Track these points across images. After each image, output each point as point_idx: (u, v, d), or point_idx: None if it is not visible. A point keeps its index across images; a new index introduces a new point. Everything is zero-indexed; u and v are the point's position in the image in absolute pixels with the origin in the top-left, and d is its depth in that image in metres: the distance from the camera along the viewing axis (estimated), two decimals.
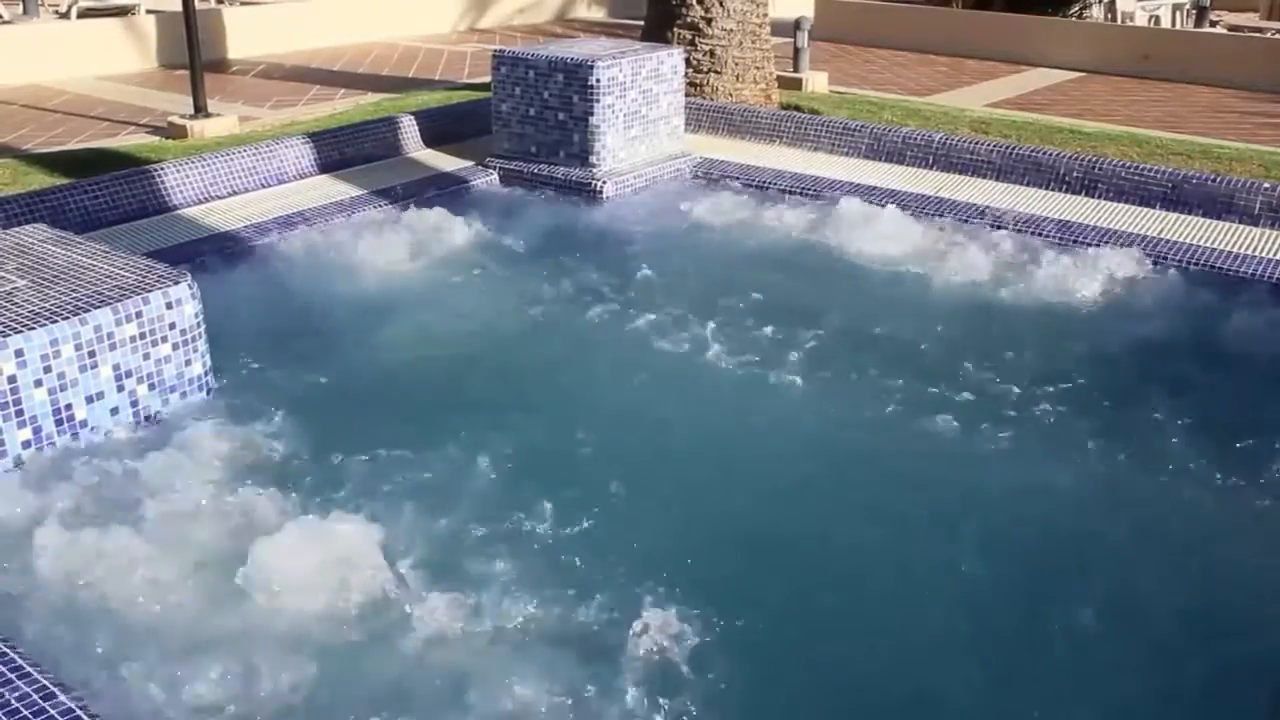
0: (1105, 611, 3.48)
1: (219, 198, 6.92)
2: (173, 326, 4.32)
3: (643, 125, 7.60)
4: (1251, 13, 16.10)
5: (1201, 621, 3.48)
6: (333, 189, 7.17)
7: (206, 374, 4.51)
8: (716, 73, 9.78)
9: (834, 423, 4.64)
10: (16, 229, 4.89)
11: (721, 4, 9.70)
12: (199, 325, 4.43)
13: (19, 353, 3.87)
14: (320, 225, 6.52)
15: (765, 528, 3.88)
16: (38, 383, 3.94)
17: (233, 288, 5.60)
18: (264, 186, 7.16)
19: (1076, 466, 4.29)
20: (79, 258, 4.53)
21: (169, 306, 4.30)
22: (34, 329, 3.92)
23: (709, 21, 9.71)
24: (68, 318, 4.02)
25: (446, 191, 7.24)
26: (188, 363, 4.42)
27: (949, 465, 4.31)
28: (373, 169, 7.65)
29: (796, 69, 11.66)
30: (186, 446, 4.06)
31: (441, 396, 4.80)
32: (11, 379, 3.86)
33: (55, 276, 4.34)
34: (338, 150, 7.66)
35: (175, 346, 4.35)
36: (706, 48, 9.75)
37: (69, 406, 4.05)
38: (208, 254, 5.98)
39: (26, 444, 3.95)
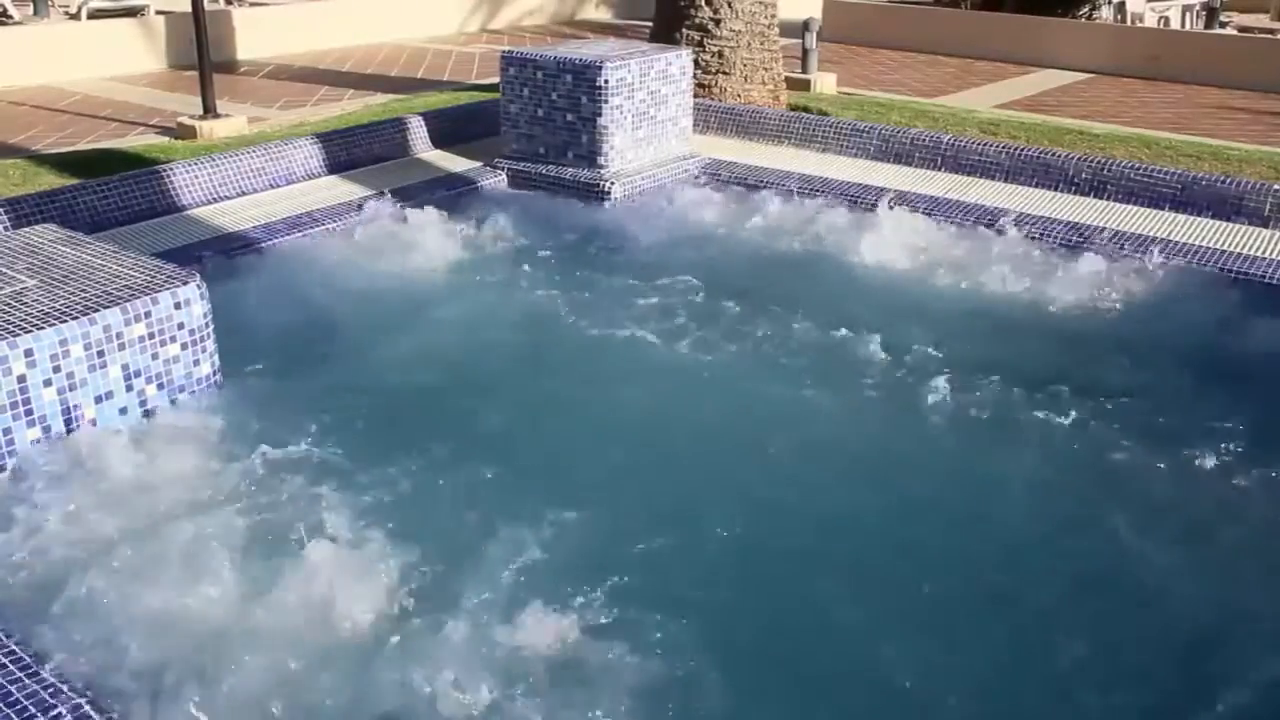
0: (1115, 619, 3.48)
1: (228, 198, 6.94)
2: (181, 326, 4.33)
3: (651, 126, 7.60)
4: (1262, 14, 16.05)
5: (1217, 622, 3.48)
6: (341, 190, 7.19)
7: (215, 374, 4.52)
8: (725, 74, 9.78)
9: (842, 423, 4.63)
10: (26, 229, 4.91)
11: (730, 5, 9.70)
12: (207, 325, 4.44)
13: (29, 352, 3.88)
14: (329, 226, 6.54)
15: (778, 533, 3.88)
16: (47, 382, 3.95)
17: (241, 288, 5.61)
18: (273, 187, 7.18)
19: (1078, 465, 4.29)
20: (88, 258, 4.55)
21: (178, 306, 4.31)
22: (43, 329, 3.93)
23: (718, 23, 9.71)
24: (77, 317, 4.03)
25: (455, 192, 7.25)
26: (196, 363, 4.43)
27: (960, 468, 4.31)
28: (381, 169, 7.66)
29: (805, 70, 11.66)
30: (194, 446, 4.07)
31: (449, 398, 4.80)
32: (21, 378, 3.87)
33: (65, 276, 4.36)
34: (346, 151, 7.67)
35: (184, 346, 4.36)
36: (715, 49, 9.75)
37: (78, 406, 4.06)
38: (217, 254, 5.99)
39: (36, 443, 3.96)
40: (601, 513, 3.85)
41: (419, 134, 8.17)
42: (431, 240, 6.36)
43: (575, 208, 7.23)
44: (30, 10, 13.81)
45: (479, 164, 7.82)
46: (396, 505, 3.83)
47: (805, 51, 11.65)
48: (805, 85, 11.43)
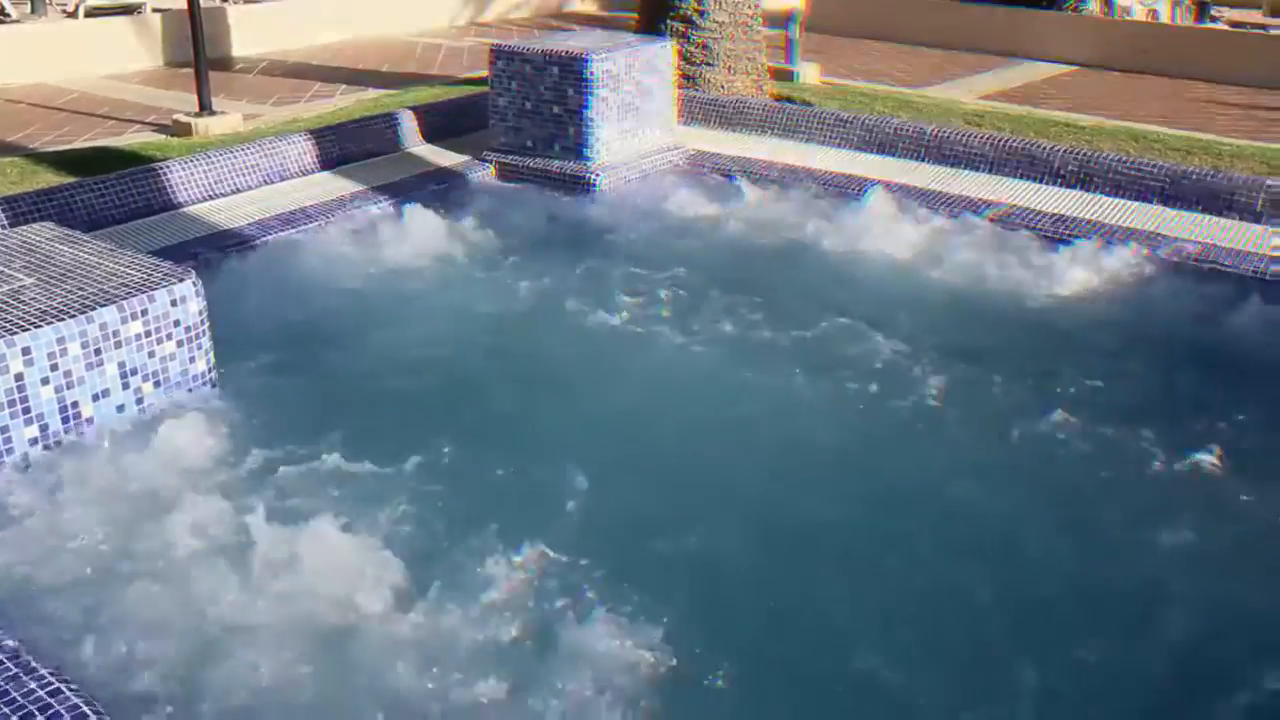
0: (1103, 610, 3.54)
1: (223, 195, 6.99)
2: (177, 324, 4.39)
3: (636, 118, 7.65)
4: (1254, 9, 16.01)
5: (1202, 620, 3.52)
6: (334, 185, 7.25)
7: (210, 371, 4.58)
8: (709, 65, 9.80)
9: (826, 413, 4.68)
10: (23, 227, 4.96)
11: None
12: (203, 322, 4.50)
13: (26, 350, 3.93)
14: (322, 222, 6.61)
15: (762, 524, 3.92)
16: (44, 380, 4.00)
17: (236, 284, 5.66)
18: (267, 183, 7.24)
19: (1055, 459, 4.34)
20: (85, 256, 4.60)
21: (174, 304, 4.36)
22: (41, 327, 3.98)
23: (702, 14, 9.74)
24: (74, 315, 4.08)
25: (444, 186, 7.32)
26: (192, 360, 4.49)
27: (949, 461, 4.36)
28: (373, 164, 7.71)
29: (789, 61, 11.66)
30: (190, 444, 4.12)
31: (443, 392, 4.85)
32: (19, 377, 3.92)
33: (62, 275, 4.41)
34: (339, 146, 7.73)
35: (180, 344, 4.42)
36: (700, 40, 9.77)
37: (75, 404, 4.11)
38: (212, 251, 6.05)
39: (34, 441, 4.01)
40: (593, 503, 3.91)
41: (410, 128, 8.22)
42: (421, 235, 6.41)
43: (562, 200, 7.28)
44: (28, 8, 13.81)
45: (468, 158, 7.87)
46: (392, 500, 3.89)
47: (790, 42, 11.65)
48: (789, 76, 11.45)
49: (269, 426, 4.31)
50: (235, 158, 7.20)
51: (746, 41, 10.02)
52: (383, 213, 6.79)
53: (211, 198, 6.94)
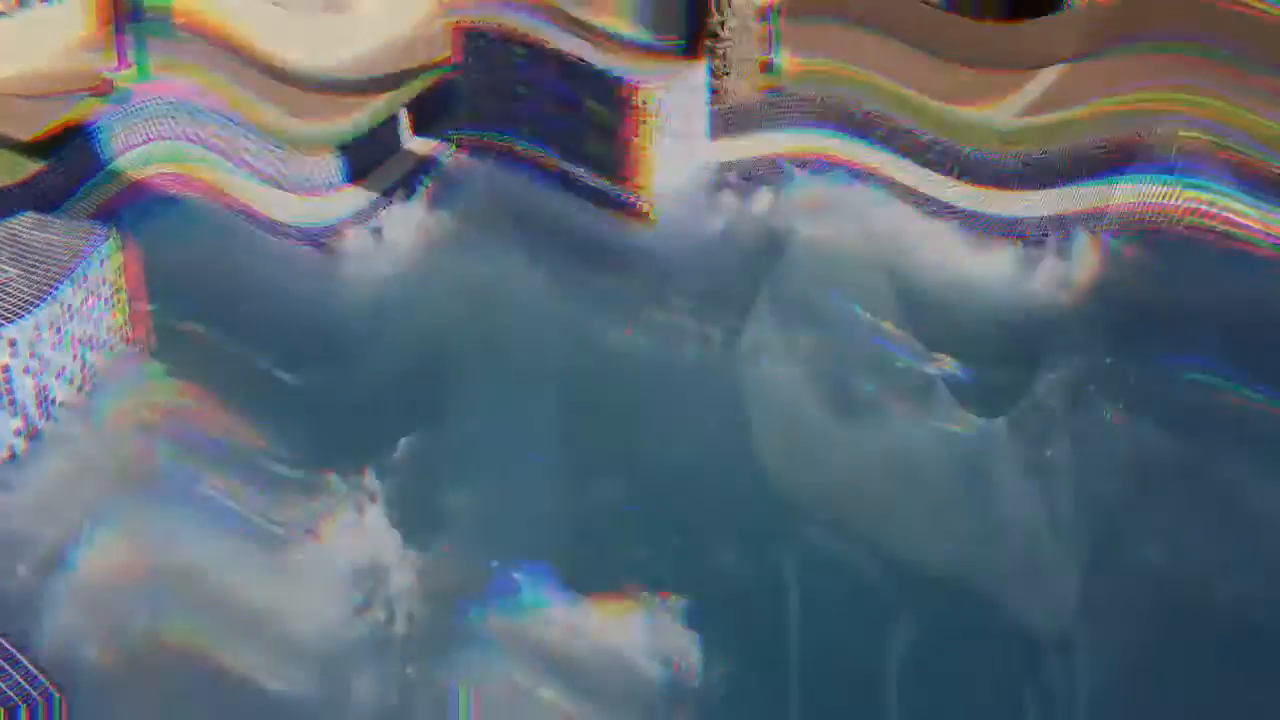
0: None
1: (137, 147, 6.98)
2: (103, 282, 4.36)
3: (677, 140, 7.67)
4: None
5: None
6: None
7: (139, 330, 4.54)
8: (726, 74, 9.69)
9: (814, 405, 4.64)
10: (8, 220, 4.91)
11: (730, 3, 9.61)
12: (123, 277, 4.46)
13: (13, 342, 3.88)
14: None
15: (746, 517, 3.90)
16: (26, 370, 3.96)
17: (158, 242, 5.56)
18: (189, 142, 7.24)
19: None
20: (50, 235, 4.56)
21: (101, 263, 4.34)
22: (24, 316, 3.94)
23: (723, 25, 9.64)
24: (45, 299, 4.03)
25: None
26: (114, 316, 4.45)
27: (951, 466, 4.30)
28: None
29: (768, 51, 11.44)
30: (120, 404, 4.08)
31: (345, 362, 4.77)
32: (5, 369, 3.87)
33: (37, 260, 4.36)
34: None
35: (105, 301, 4.39)
36: (720, 51, 9.66)
37: (46, 387, 4.07)
38: (138, 207, 6.03)
39: (19, 432, 3.97)
40: (563, 485, 3.88)
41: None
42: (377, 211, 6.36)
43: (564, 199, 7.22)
44: (16, 3, 13.77)
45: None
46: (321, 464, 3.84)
47: (770, 33, 11.50)
48: (769, 66, 11.23)
49: (200, 380, 4.25)
50: (160, 112, 7.17)
51: (750, 44, 9.91)
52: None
53: (131, 150, 6.92)
